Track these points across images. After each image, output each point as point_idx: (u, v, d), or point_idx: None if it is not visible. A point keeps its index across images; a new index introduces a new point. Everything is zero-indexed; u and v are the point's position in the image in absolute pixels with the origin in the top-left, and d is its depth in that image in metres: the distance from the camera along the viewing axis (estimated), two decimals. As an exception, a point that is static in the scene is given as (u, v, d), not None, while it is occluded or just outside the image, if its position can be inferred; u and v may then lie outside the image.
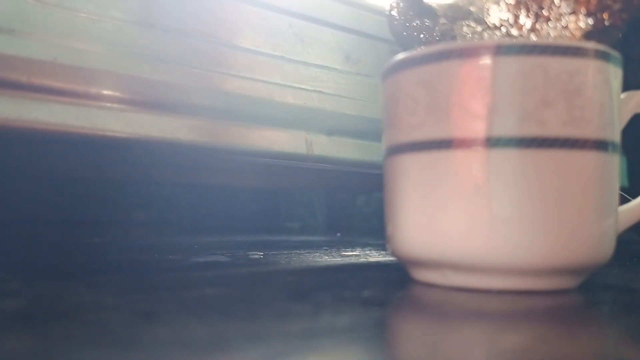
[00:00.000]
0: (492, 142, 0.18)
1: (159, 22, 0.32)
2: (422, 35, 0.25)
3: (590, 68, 0.18)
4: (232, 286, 0.20)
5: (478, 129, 0.18)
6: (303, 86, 0.37)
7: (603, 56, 0.18)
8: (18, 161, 0.35)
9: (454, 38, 0.24)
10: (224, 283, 0.21)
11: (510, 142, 0.18)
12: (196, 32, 0.33)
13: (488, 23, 0.23)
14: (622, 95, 0.20)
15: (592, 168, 0.18)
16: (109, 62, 0.29)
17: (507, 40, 0.18)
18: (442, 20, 0.24)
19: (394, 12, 0.26)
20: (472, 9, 0.23)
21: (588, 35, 0.24)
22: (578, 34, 0.23)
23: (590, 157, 0.18)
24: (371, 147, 0.40)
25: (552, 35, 0.23)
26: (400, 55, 0.20)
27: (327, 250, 0.33)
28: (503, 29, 0.23)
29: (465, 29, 0.23)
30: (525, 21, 0.22)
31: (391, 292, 0.20)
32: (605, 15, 0.22)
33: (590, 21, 0.22)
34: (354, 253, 0.32)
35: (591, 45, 0.18)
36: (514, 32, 0.23)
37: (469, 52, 0.18)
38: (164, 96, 0.31)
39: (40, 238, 0.39)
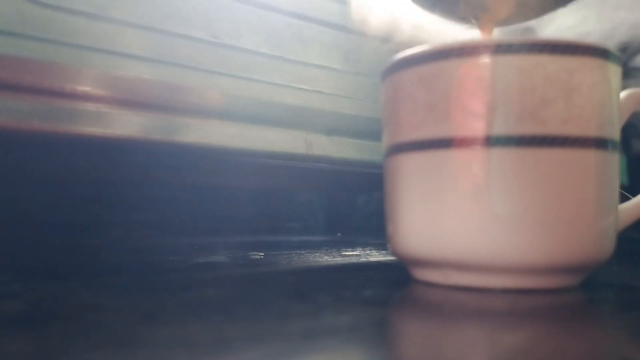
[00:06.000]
0: (492, 141, 0.18)
1: (159, 23, 0.32)
2: None
3: (589, 66, 0.18)
4: (232, 287, 0.20)
5: (478, 127, 0.18)
6: (302, 86, 0.37)
7: (602, 54, 0.18)
8: (18, 163, 0.35)
9: None
10: (225, 284, 0.21)
11: (509, 141, 0.18)
12: (196, 33, 0.33)
13: None
14: (622, 93, 0.20)
15: (591, 166, 0.18)
16: (108, 64, 0.29)
17: (506, 39, 0.18)
18: None
19: None
20: None
21: None
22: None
23: (589, 155, 0.18)
24: (371, 147, 0.40)
25: None
26: (400, 55, 0.20)
27: (327, 250, 0.33)
28: None
29: None
30: None
31: (392, 292, 0.20)
32: None
33: None
34: (355, 253, 0.32)
35: (590, 43, 0.18)
36: None
37: (468, 51, 0.18)
38: (163, 97, 0.31)
39: (40, 239, 0.39)
